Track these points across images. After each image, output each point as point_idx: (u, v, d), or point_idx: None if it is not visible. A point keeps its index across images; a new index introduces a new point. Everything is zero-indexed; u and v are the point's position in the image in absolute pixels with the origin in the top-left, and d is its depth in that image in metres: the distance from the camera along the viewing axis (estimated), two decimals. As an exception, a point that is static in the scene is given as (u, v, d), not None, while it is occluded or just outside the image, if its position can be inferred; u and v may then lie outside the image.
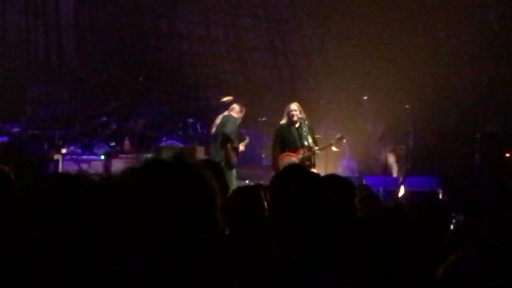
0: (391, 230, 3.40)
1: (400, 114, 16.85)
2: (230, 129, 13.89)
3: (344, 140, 13.49)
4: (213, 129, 14.43)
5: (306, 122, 12.69)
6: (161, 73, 19.88)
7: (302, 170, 4.68)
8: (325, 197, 5.03)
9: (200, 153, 15.14)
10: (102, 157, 15.86)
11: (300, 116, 12.64)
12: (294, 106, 12.78)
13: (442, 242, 5.37)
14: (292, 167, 5.05)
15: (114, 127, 17.09)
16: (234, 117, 14.10)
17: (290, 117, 12.62)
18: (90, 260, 2.01)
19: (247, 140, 14.40)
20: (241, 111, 14.25)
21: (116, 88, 18.75)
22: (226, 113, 14.34)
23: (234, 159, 13.49)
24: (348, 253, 3.87)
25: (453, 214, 7.05)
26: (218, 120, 14.32)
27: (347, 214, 4.97)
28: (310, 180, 4.39)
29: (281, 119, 12.90)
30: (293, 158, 12.42)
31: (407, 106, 16.75)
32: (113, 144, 16.68)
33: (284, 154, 12.53)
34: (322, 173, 10.79)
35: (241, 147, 14.03)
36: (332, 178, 5.42)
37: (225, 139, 13.63)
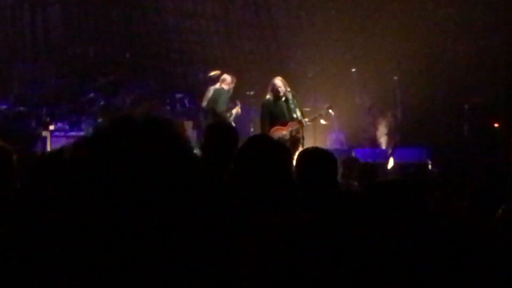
0: (386, 204, 3.40)
1: (388, 86, 16.86)
2: (221, 106, 13.83)
3: (332, 112, 13.46)
4: (204, 103, 14.34)
5: (291, 95, 12.69)
6: (148, 49, 19.79)
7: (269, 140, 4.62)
8: (307, 169, 5.02)
9: (188, 128, 15.08)
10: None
11: (285, 89, 12.63)
12: (278, 81, 12.73)
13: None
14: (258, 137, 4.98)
15: (101, 103, 17.01)
16: (225, 91, 14.04)
17: (276, 92, 12.60)
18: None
19: (238, 105, 14.42)
20: (232, 82, 14.21)
21: (103, 65, 18.65)
22: (217, 86, 14.24)
23: None
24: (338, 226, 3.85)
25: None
26: (210, 93, 14.21)
27: (330, 186, 4.97)
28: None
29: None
30: (284, 132, 12.47)
31: (395, 78, 16.75)
32: (101, 120, 16.61)
33: (274, 128, 12.54)
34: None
35: (234, 111, 14.11)
36: (314, 151, 5.42)
37: (217, 117, 13.52)
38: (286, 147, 4.46)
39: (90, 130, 15.59)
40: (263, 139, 4.53)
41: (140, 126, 2.02)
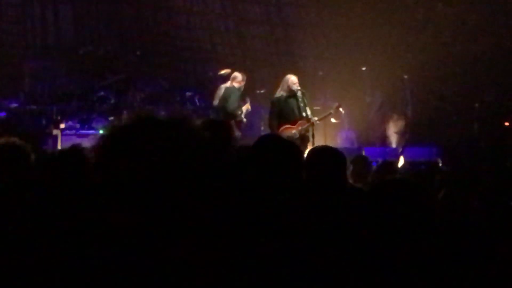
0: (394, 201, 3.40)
1: (398, 84, 16.84)
2: (233, 105, 13.79)
3: (342, 110, 13.41)
4: (215, 101, 14.33)
5: (301, 93, 12.65)
6: (158, 47, 19.82)
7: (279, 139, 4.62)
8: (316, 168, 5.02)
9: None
10: (101, 131, 15.82)
11: (299, 87, 12.64)
12: (294, 77, 12.73)
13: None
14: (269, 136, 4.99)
15: (112, 101, 17.04)
16: (236, 89, 14.01)
17: (291, 88, 12.56)
18: None
19: (248, 103, 14.41)
20: (242, 80, 14.19)
21: (113, 62, 18.69)
22: (228, 84, 14.22)
23: (237, 134, 13.36)
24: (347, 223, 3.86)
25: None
26: (221, 92, 14.20)
27: (338, 185, 4.96)
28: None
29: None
30: (293, 130, 12.42)
31: (405, 77, 16.73)
32: (111, 118, 16.62)
33: (283, 127, 12.50)
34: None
35: (244, 109, 14.08)
36: (323, 149, 5.41)
37: (228, 116, 13.45)
38: (297, 146, 4.47)
39: (102, 128, 15.64)
40: (274, 139, 4.54)
41: (162, 123, 2.05)
